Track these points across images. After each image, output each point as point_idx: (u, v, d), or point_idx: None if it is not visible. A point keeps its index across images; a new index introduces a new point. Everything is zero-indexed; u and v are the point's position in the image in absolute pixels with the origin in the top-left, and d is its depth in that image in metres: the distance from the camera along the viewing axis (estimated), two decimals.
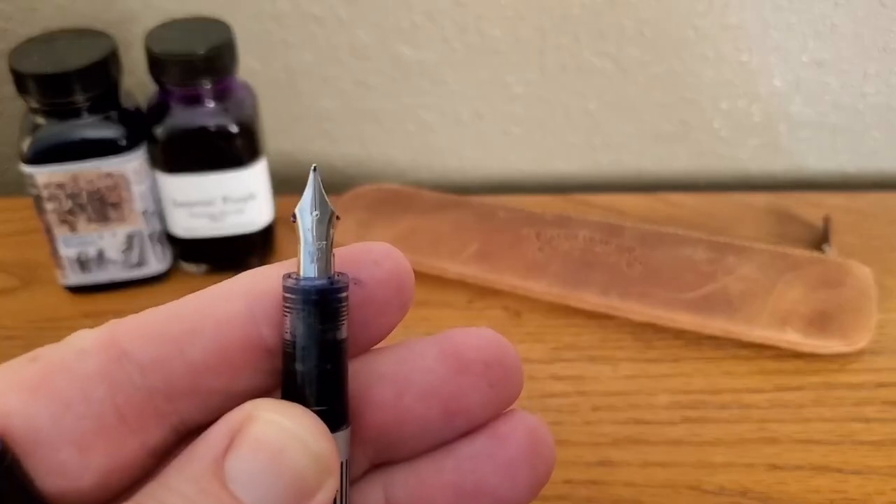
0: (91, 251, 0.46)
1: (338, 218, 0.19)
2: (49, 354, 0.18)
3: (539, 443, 0.21)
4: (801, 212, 0.51)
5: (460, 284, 0.46)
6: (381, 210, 0.50)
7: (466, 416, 0.20)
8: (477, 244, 0.47)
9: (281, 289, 0.19)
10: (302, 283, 0.18)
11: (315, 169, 0.19)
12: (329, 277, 0.19)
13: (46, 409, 0.18)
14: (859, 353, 0.42)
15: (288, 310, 0.18)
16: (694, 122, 0.56)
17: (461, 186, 0.58)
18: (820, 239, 0.49)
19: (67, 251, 0.45)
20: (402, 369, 0.20)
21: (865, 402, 0.40)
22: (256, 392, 0.19)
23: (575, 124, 0.56)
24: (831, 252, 0.47)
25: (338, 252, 0.19)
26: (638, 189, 0.57)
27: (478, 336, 0.20)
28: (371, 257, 0.20)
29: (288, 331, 0.18)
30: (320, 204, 0.19)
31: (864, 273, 0.45)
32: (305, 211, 0.19)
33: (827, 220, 0.49)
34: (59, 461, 0.18)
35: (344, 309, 0.19)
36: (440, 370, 0.20)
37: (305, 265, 0.19)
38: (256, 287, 0.19)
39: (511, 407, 0.21)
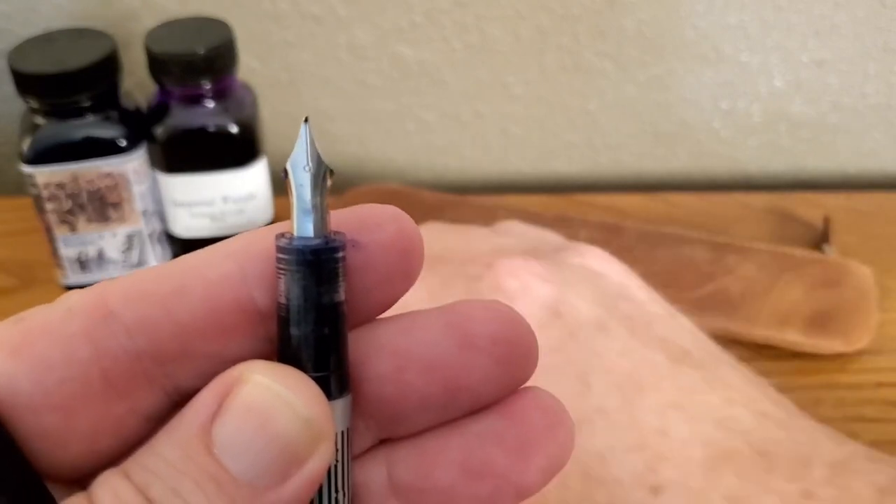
0: (91, 251, 0.46)
1: (332, 173, 0.18)
2: (34, 315, 0.18)
3: (555, 424, 0.19)
4: (801, 212, 0.51)
5: None
6: None
7: (471, 394, 0.19)
8: None
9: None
10: (295, 242, 0.17)
11: (307, 120, 0.18)
12: (325, 236, 0.18)
13: (27, 371, 0.17)
14: (859, 353, 0.42)
15: (281, 271, 0.17)
16: (694, 122, 0.56)
17: (461, 186, 0.58)
18: (820, 239, 0.49)
19: (67, 251, 0.45)
20: (403, 341, 0.19)
21: (865, 402, 0.40)
22: (252, 356, 0.18)
23: (575, 124, 0.56)
24: (831, 252, 0.47)
25: (340, 213, 0.18)
26: (638, 189, 0.57)
27: (486, 309, 0.19)
28: (374, 220, 0.18)
29: (282, 293, 0.17)
30: (313, 158, 0.18)
31: (864, 273, 0.45)
32: (297, 166, 0.18)
33: (827, 221, 0.49)
34: (42, 425, 0.17)
35: (341, 270, 0.18)
36: (444, 344, 0.19)
37: (299, 223, 0.17)
38: (250, 248, 0.18)
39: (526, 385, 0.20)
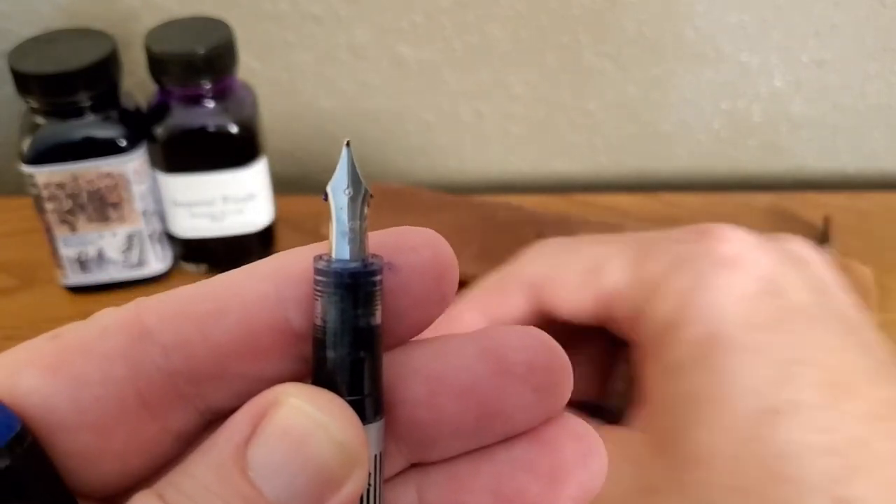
0: (91, 251, 0.46)
1: (372, 196, 0.18)
2: (70, 332, 0.18)
3: (588, 452, 0.19)
4: (801, 212, 0.51)
5: (460, 284, 0.46)
6: (381, 210, 0.50)
7: (505, 420, 0.19)
8: (477, 244, 0.47)
9: (312, 271, 0.18)
10: (334, 265, 0.17)
11: (348, 144, 0.18)
12: (363, 259, 0.18)
13: (65, 390, 0.17)
14: None
15: (319, 293, 0.17)
16: (694, 122, 0.56)
17: (461, 186, 0.58)
18: (820, 239, 0.49)
19: (67, 251, 0.45)
20: (437, 365, 0.19)
21: None
22: (287, 378, 0.18)
23: (575, 124, 0.56)
24: (831, 252, 0.47)
25: (374, 235, 0.18)
26: (638, 189, 0.57)
27: (523, 336, 0.19)
28: (409, 243, 0.18)
29: (318, 315, 0.17)
30: (353, 181, 0.18)
31: (864, 273, 0.45)
32: (338, 189, 0.18)
33: (827, 220, 0.49)
34: (76, 444, 0.17)
35: (378, 293, 0.18)
36: (479, 369, 0.18)
37: (338, 246, 0.18)
38: (287, 269, 0.18)
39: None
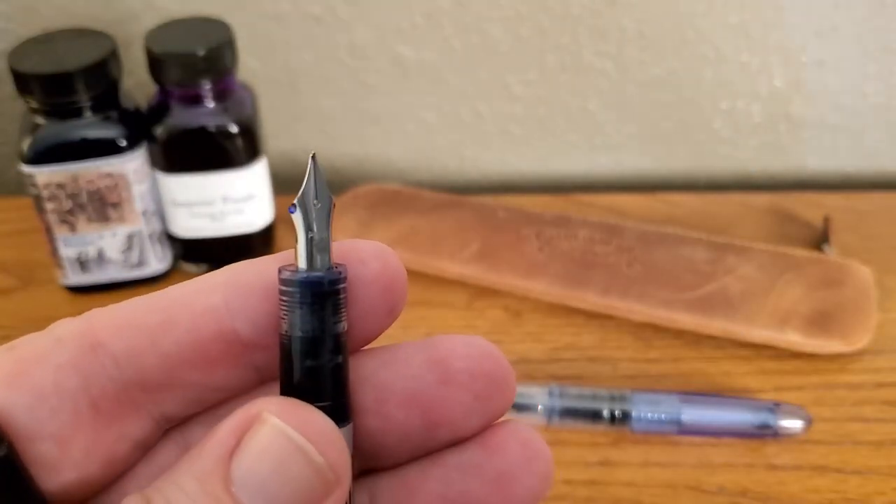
0: (91, 251, 0.46)
1: (334, 206, 0.19)
2: (25, 344, 0.18)
3: (534, 456, 0.19)
4: (801, 212, 0.51)
5: (460, 284, 0.46)
6: (381, 210, 0.50)
7: (450, 427, 0.19)
8: (477, 244, 0.47)
9: (260, 282, 0.18)
10: (305, 275, 0.18)
11: (314, 157, 0.18)
12: (330, 268, 0.18)
13: (21, 400, 0.18)
14: (859, 353, 0.42)
15: (286, 303, 0.18)
16: (694, 122, 0.56)
17: (461, 186, 0.58)
18: (820, 239, 0.49)
19: (67, 251, 0.45)
20: (385, 374, 0.19)
21: (865, 402, 0.40)
22: (237, 384, 0.19)
23: (575, 124, 0.56)
24: (831, 252, 0.47)
25: None
26: (638, 189, 0.57)
27: (466, 345, 0.19)
28: (358, 255, 0.19)
29: (285, 325, 0.18)
30: (320, 193, 0.18)
31: (864, 273, 0.45)
32: (306, 200, 0.18)
33: (827, 220, 0.49)
34: (36, 453, 0.18)
35: (344, 301, 0.18)
36: (424, 378, 0.19)
37: (307, 256, 0.18)
38: (236, 280, 0.19)
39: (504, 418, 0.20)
